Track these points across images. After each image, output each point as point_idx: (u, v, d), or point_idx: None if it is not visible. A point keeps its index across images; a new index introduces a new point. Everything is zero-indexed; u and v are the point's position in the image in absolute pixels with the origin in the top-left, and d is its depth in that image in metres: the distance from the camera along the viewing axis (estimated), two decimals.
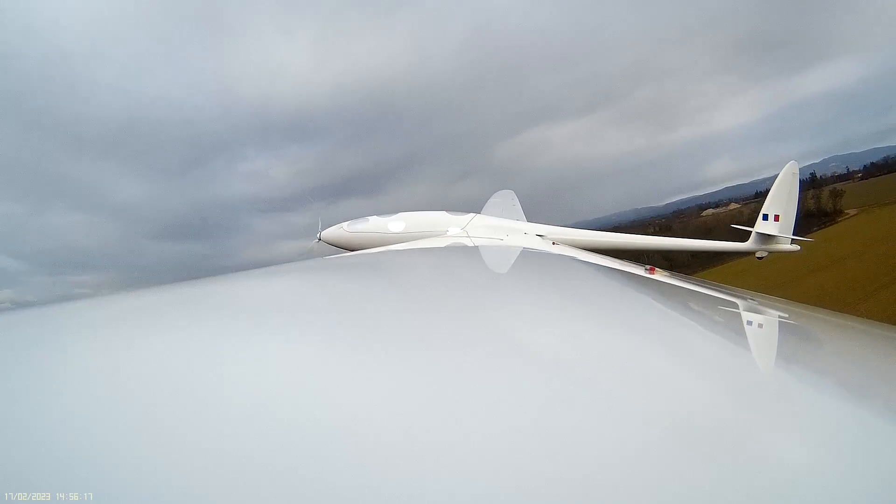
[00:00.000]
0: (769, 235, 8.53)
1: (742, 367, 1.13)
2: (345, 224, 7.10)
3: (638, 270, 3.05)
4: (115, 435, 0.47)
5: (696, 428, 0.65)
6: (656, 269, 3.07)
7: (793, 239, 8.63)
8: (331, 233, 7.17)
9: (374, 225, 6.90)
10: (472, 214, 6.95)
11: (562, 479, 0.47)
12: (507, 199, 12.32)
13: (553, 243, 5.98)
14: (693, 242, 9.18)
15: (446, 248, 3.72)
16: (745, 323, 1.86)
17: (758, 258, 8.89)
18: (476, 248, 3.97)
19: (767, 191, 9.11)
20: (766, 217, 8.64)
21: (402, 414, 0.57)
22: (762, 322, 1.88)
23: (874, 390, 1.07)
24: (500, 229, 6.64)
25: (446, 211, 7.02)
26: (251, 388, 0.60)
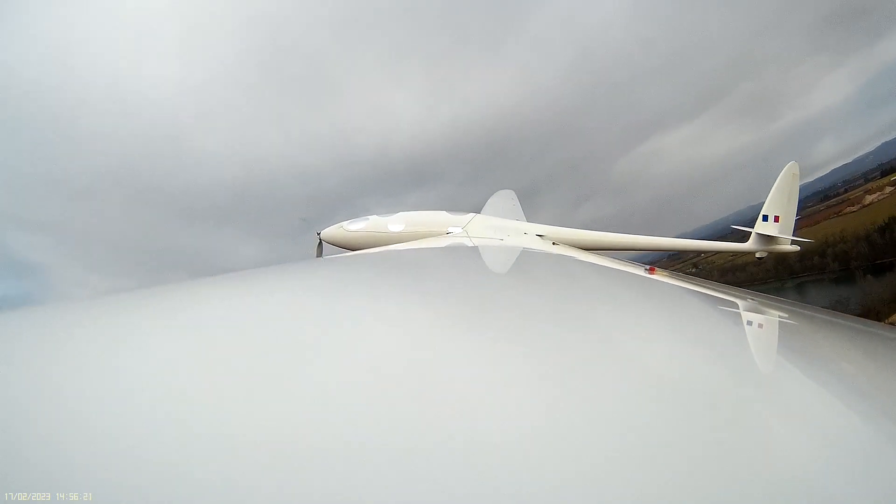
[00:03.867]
0: (769, 236, 8.57)
1: (741, 366, 1.13)
2: (345, 223, 7.08)
3: (638, 270, 3.06)
4: (115, 435, 0.47)
5: (695, 427, 0.65)
6: (656, 269, 3.08)
7: (793, 240, 8.69)
8: (331, 232, 7.15)
9: (373, 224, 6.89)
10: (472, 214, 6.94)
11: (562, 478, 0.47)
12: (507, 198, 12.32)
13: (553, 243, 5.99)
14: (693, 242, 9.26)
15: (446, 248, 3.72)
16: (744, 323, 1.87)
17: (757, 258, 8.94)
18: (476, 248, 3.97)
19: (877, 169, 9.09)
20: (765, 218, 8.69)
21: (402, 414, 0.57)
22: (762, 322, 1.88)
23: (873, 390, 1.07)
24: (500, 229, 6.64)
25: (446, 211, 7.02)
26: (251, 388, 0.60)
